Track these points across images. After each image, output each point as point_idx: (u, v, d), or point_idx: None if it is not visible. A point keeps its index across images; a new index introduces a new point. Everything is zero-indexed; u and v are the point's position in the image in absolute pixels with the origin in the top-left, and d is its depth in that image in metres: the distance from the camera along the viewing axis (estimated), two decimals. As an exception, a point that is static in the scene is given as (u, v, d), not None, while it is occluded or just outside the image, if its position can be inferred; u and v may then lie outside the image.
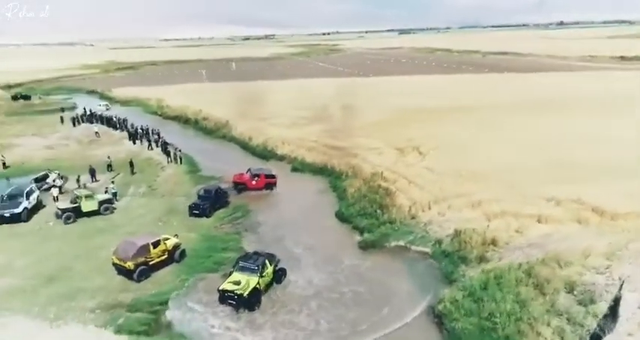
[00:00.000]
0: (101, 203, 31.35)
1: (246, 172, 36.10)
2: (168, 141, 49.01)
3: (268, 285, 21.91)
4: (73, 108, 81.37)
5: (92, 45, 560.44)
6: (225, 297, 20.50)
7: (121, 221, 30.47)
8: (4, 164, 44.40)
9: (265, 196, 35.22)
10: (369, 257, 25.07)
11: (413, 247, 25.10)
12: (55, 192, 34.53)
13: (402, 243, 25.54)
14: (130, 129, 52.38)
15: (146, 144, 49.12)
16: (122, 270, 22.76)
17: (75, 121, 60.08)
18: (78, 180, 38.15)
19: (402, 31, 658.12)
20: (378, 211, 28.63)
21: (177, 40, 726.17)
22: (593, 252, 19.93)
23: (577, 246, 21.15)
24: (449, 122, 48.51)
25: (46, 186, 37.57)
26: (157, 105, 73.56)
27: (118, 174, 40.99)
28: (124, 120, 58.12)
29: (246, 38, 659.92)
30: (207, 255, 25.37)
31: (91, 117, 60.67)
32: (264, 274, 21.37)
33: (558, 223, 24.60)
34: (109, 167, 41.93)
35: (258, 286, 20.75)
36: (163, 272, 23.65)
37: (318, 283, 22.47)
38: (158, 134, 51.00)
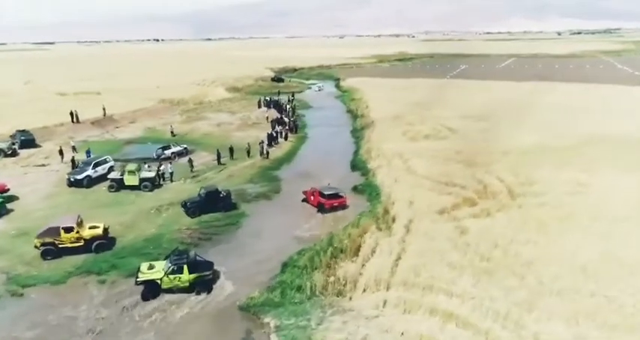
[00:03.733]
0: (142, 180, 33.93)
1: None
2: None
3: (183, 289, 20.64)
4: (301, 91, 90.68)
5: (413, 37, 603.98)
6: None
7: (142, 200, 32.29)
8: (172, 132, 53.59)
9: (289, 212, 30.43)
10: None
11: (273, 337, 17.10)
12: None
13: (275, 322, 17.74)
14: (276, 118, 54.23)
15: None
16: (40, 245, 24.21)
17: (259, 104, 66.50)
18: (190, 161, 39.64)
19: None
20: (314, 272, 20.62)
21: (500, 33, 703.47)
22: None
23: None
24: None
25: (163, 156, 43.56)
26: (350, 97, 73.63)
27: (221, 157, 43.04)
28: (293, 109, 60.76)
29: (577, 32, 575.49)
30: (121, 256, 24.14)
31: (269, 103, 65.81)
32: (172, 276, 20.44)
33: None
34: (231, 150, 43.13)
35: (158, 281, 20.29)
36: (72, 258, 23.90)
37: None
38: (293, 127, 51.04)
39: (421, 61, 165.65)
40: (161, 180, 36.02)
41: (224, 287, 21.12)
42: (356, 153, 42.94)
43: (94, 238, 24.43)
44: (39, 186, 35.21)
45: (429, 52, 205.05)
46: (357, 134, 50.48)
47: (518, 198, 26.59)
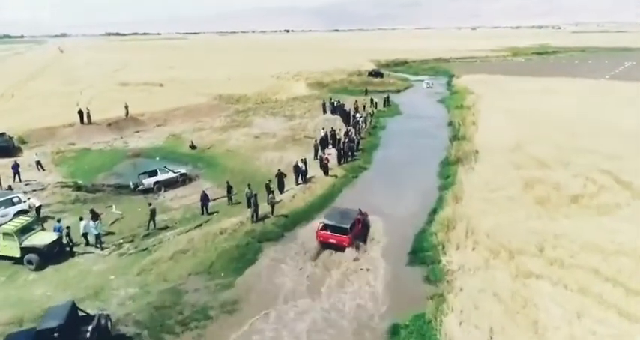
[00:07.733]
0: (26, 250, 19.53)
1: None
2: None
3: None
4: (399, 90, 71.91)
5: (559, 28, 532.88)
6: None
7: (11, 291, 17.90)
8: (191, 144, 39.67)
9: None
10: None
11: None
12: None
13: None
14: (322, 137, 36.37)
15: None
16: None
17: (324, 108, 49.07)
18: (152, 212, 23.44)
19: None
20: None
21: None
22: None
23: None
24: None
25: (141, 188, 29.40)
26: (456, 103, 52.80)
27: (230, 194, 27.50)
28: (363, 119, 42.49)
29: None
30: None
31: (334, 108, 47.85)
32: None
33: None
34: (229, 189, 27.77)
35: None
36: None
37: None
38: (348, 150, 33.36)
39: (568, 56, 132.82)
40: (91, 241, 21.45)
41: None
42: (430, 220, 23.75)
43: None
44: None
45: (579, 44, 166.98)
46: (447, 172, 30.83)
47: None
